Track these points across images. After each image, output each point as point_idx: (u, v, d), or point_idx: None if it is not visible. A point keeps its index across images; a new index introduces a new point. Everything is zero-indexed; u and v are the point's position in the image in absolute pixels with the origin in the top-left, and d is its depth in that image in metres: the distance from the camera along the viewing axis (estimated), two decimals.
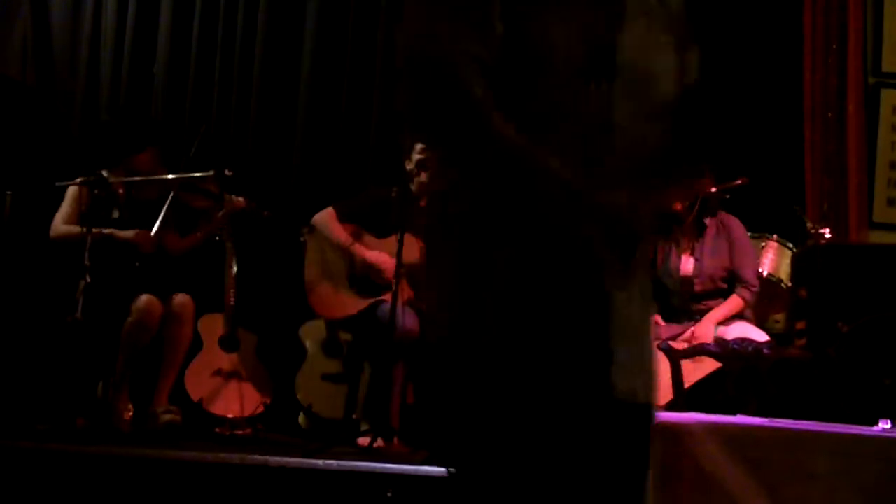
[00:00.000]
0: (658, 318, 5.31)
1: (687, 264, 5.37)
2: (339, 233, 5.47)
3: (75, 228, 5.29)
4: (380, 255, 5.39)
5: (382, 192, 5.44)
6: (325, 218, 5.51)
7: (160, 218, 5.33)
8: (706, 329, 5.17)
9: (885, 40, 6.37)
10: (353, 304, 5.43)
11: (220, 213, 5.56)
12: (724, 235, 5.35)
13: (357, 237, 5.48)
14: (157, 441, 4.84)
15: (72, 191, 5.36)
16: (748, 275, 5.30)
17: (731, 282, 5.32)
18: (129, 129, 5.55)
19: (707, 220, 5.37)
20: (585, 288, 1.90)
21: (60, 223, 5.41)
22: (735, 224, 5.38)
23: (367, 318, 5.35)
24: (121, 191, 5.43)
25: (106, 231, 5.32)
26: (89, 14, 6.70)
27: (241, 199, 5.59)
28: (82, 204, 5.22)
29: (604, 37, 1.95)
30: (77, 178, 5.31)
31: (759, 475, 3.16)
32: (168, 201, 5.36)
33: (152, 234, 5.32)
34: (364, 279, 5.42)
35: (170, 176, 5.38)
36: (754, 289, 5.30)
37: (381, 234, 5.44)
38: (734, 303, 5.26)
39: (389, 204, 5.35)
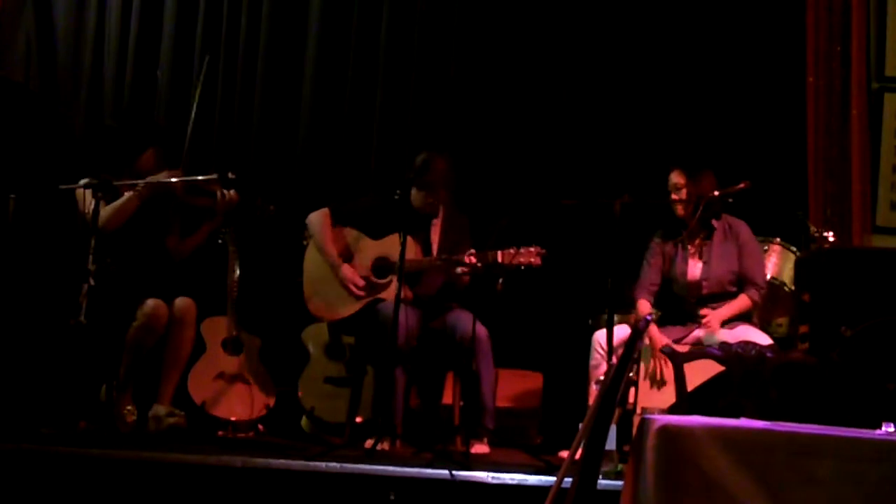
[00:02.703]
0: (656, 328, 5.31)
1: (694, 268, 5.37)
2: (326, 238, 5.48)
3: (113, 204, 5.26)
4: (348, 271, 5.40)
5: (380, 195, 5.46)
6: (319, 219, 5.53)
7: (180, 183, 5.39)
8: (717, 318, 5.18)
9: (889, 45, 6.36)
10: (350, 305, 5.44)
11: (218, 210, 5.55)
12: (732, 239, 5.35)
13: (354, 240, 5.49)
14: (159, 444, 4.84)
15: (80, 193, 5.34)
16: (757, 277, 5.31)
17: (739, 285, 5.32)
18: (132, 133, 5.54)
19: (714, 224, 5.37)
20: None
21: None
22: (743, 228, 5.38)
23: (369, 315, 5.36)
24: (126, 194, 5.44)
25: (142, 183, 5.31)
26: (93, 18, 6.71)
27: (233, 193, 5.56)
28: (87, 207, 5.21)
29: None
30: (81, 181, 5.30)
31: (762, 479, 3.16)
32: (180, 189, 5.37)
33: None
34: (363, 279, 5.43)
35: (173, 179, 5.38)
36: (763, 290, 5.31)
37: (377, 235, 5.45)
38: (742, 302, 5.26)
39: (387, 206, 5.36)
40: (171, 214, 5.51)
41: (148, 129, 5.64)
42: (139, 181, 5.37)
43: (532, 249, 5.11)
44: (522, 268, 5.10)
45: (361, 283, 5.39)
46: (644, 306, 5.39)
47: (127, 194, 5.33)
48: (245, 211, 5.67)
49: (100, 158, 5.65)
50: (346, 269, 5.43)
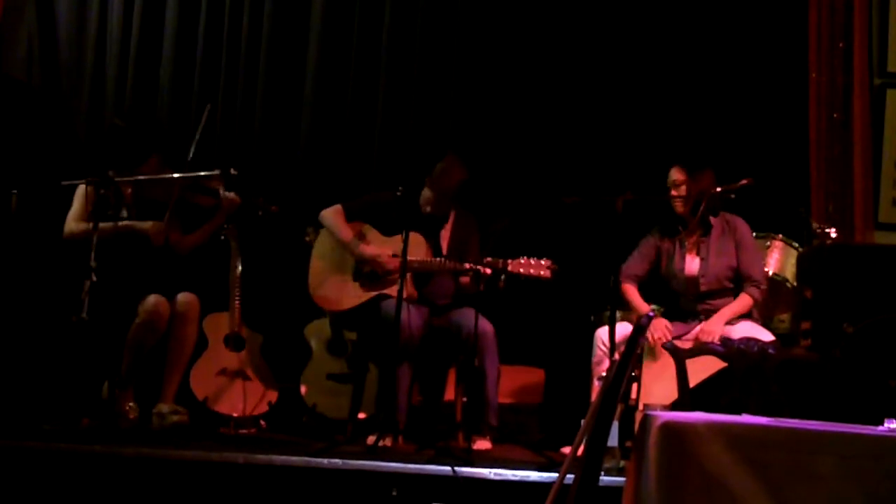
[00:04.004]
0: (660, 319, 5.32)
1: (692, 264, 5.36)
2: (344, 229, 5.49)
3: (90, 226, 5.30)
4: (376, 249, 5.41)
5: (388, 193, 5.45)
6: (333, 214, 5.54)
7: (168, 210, 5.37)
8: (715, 325, 5.16)
9: (891, 41, 6.36)
10: (356, 296, 5.44)
11: (220, 210, 5.57)
12: (730, 235, 5.35)
13: (363, 235, 5.50)
14: (162, 440, 4.85)
15: (81, 190, 5.36)
16: (756, 273, 5.30)
17: (736, 281, 5.31)
18: (137, 134, 5.54)
19: (712, 220, 5.36)
20: None
21: (73, 222, 5.41)
22: (740, 224, 5.38)
23: (371, 311, 5.36)
24: (129, 191, 5.44)
25: (122, 223, 5.32)
26: (95, 15, 6.72)
27: (233, 195, 5.57)
28: (90, 203, 5.23)
29: None
30: (84, 178, 5.30)
31: (764, 475, 3.16)
32: (174, 197, 5.37)
33: (163, 225, 5.38)
34: (369, 273, 5.44)
35: (175, 175, 5.38)
36: (762, 287, 5.30)
37: (387, 232, 5.46)
38: (744, 301, 5.25)
39: (398, 204, 5.36)
40: (172, 212, 5.51)
41: (153, 134, 5.62)
42: (138, 177, 5.38)
43: (543, 262, 5.11)
44: (531, 279, 5.10)
45: (385, 252, 5.39)
46: (630, 291, 5.38)
47: (107, 225, 5.24)
48: (247, 211, 5.68)
49: (103, 155, 5.66)
50: (367, 248, 5.43)
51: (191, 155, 5.52)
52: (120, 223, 5.33)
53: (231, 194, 5.55)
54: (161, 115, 6.57)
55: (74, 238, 5.38)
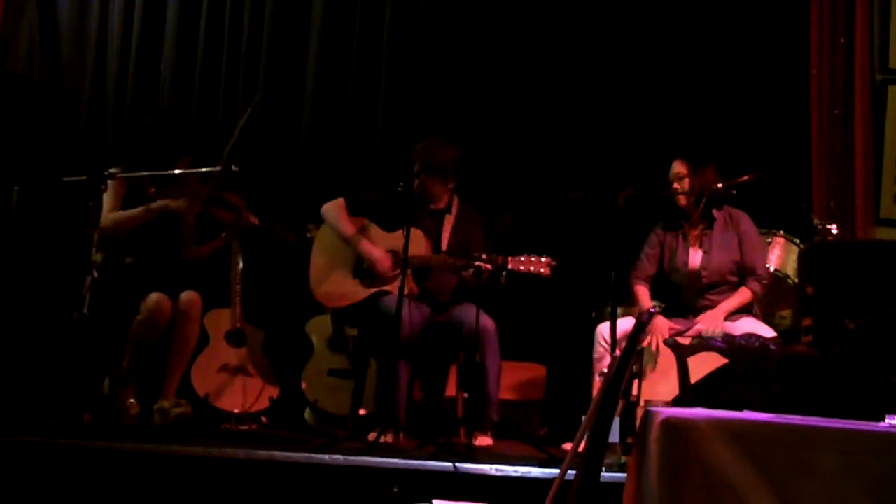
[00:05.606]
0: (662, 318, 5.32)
1: (695, 257, 5.37)
2: (345, 223, 5.48)
3: (124, 213, 5.32)
4: (375, 249, 5.41)
5: (390, 188, 5.44)
6: (335, 208, 5.53)
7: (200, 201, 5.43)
8: (715, 317, 5.17)
9: (892, 37, 6.36)
10: (357, 293, 5.44)
11: (237, 227, 5.58)
12: (733, 229, 5.35)
13: (365, 230, 5.50)
14: (163, 436, 4.85)
15: (110, 186, 5.29)
16: (758, 267, 5.30)
17: (739, 275, 5.31)
18: (167, 134, 5.52)
19: (715, 214, 5.36)
20: None
21: (105, 216, 5.34)
22: (743, 218, 5.38)
23: (372, 308, 5.36)
24: (152, 190, 5.43)
25: (155, 204, 5.36)
26: (96, 11, 6.72)
27: (254, 218, 5.60)
28: (107, 202, 5.22)
29: None
30: (84, 174, 5.27)
31: (765, 471, 3.16)
32: (201, 203, 5.42)
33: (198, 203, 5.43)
34: (370, 269, 5.44)
35: (176, 171, 5.35)
36: (765, 281, 5.30)
37: (389, 228, 5.45)
38: (744, 294, 5.26)
39: (399, 199, 5.35)
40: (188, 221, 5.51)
41: (184, 135, 5.61)
42: (143, 173, 5.37)
43: (543, 259, 5.12)
44: (531, 276, 5.11)
45: (382, 254, 5.40)
46: (642, 293, 5.39)
47: (139, 209, 5.36)
48: (265, 239, 5.70)
49: (132, 152, 5.63)
50: (370, 248, 5.43)
51: (225, 155, 5.51)
52: (153, 204, 5.37)
53: (252, 216, 5.57)
54: (162, 107, 6.57)
55: (107, 232, 5.32)
